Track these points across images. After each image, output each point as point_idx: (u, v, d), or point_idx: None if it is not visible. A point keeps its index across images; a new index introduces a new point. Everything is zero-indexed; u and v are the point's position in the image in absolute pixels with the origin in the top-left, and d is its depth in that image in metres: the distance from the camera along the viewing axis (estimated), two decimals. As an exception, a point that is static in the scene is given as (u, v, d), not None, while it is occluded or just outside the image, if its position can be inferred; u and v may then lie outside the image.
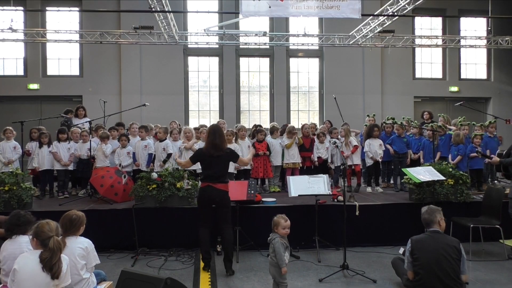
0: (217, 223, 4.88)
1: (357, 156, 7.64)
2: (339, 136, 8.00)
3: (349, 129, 7.86)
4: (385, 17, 10.03)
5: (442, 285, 3.48)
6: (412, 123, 8.45)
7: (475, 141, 7.46)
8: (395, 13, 9.45)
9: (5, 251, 3.36)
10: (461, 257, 3.54)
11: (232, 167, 7.19)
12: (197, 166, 5.75)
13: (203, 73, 13.56)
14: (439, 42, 12.47)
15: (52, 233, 2.93)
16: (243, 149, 7.32)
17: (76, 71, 12.96)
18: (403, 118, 8.59)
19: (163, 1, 8.83)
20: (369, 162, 7.61)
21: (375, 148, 7.51)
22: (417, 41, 12.53)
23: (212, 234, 4.99)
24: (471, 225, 5.35)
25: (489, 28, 12.99)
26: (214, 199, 4.79)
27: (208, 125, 8.87)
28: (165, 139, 7.27)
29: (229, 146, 7.12)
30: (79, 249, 3.26)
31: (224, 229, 4.84)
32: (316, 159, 7.63)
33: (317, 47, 13.40)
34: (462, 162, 7.35)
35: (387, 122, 8.19)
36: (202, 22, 12.79)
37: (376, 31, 10.82)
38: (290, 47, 13.31)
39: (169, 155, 7.05)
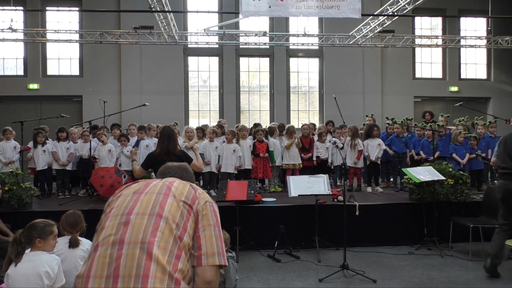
0: None
1: (360, 160, 7.58)
2: (341, 137, 7.98)
3: (357, 129, 7.71)
4: (385, 17, 10.03)
5: None
6: (417, 124, 8.39)
7: (470, 143, 7.47)
8: (395, 13, 9.45)
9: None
10: None
11: (232, 167, 7.20)
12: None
13: (203, 73, 13.55)
14: (439, 42, 12.47)
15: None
16: (244, 149, 7.32)
17: (76, 71, 12.95)
18: (406, 119, 8.57)
19: (163, 1, 8.82)
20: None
21: (373, 148, 7.51)
22: (417, 41, 12.52)
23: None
24: (471, 225, 5.34)
25: (489, 28, 12.97)
26: None
27: (209, 125, 8.92)
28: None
29: (229, 145, 7.18)
30: (80, 251, 3.25)
31: None
32: (315, 159, 7.63)
33: (317, 47, 13.39)
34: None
35: (390, 123, 8.13)
36: (202, 22, 12.79)
37: (376, 31, 10.82)
38: (290, 47, 13.30)
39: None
